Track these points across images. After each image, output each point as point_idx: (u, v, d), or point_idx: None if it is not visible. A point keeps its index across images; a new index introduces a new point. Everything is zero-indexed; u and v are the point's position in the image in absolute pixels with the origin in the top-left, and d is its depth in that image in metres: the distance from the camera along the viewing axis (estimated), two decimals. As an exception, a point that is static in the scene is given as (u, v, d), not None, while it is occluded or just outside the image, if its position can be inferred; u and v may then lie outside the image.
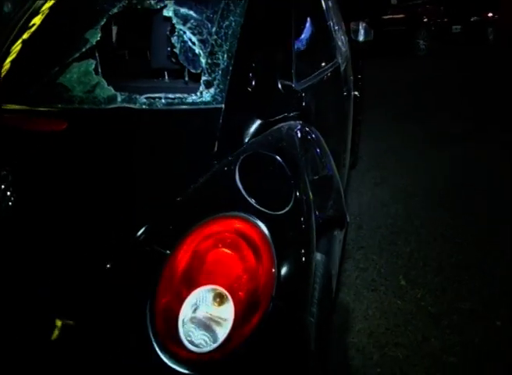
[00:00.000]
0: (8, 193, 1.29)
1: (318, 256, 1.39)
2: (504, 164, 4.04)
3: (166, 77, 1.73)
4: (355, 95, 3.13)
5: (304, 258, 1.19)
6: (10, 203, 1.27)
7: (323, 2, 2.43)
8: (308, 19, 2.04)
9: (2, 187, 1.29)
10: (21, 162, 1.36)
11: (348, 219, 1.78)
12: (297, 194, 1.26)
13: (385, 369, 2.01)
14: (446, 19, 11.42)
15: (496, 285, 2.53)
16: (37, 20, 1.84)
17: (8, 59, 1.77)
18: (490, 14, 11.57)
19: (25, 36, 1.83)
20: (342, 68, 2.41)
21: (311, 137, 1.55)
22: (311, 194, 1.33)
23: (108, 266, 1.08)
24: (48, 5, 1.89)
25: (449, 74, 8.28)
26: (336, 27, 2.64)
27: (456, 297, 2.45)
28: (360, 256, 2.85)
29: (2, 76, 1.72)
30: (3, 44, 1.84)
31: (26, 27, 1.85)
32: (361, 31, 3.27)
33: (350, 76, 2.80)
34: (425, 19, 10.14)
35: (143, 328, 1.02)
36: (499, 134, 4.97)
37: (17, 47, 1.80)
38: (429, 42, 10.17)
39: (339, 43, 2.61)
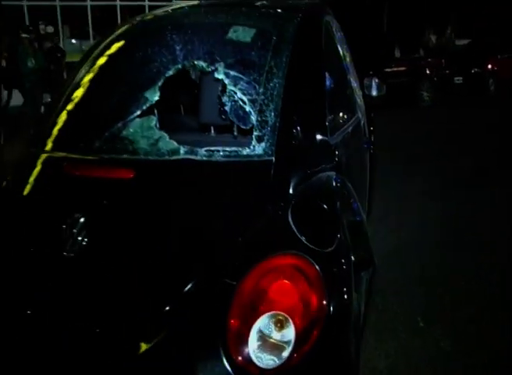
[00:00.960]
0: (81, 234, 1.49)
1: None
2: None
3: (218, 132, 1.97)
4: (370, 147, 3.39)
5: (346, 290, 1.39)
6: (83, 243, 1.47)
7: (345, 63, 2.73)
8: (335, 79, 2.32)
9: (75, 230, 1.50)
10: (93, 207, 1.57)
11: (376, 262, 1.97)
12: (339, 235, 1.46)
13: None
14: (447, 71, 11.94)
15: None
16: (95, 76, 2.10)
17: (66, 112, 2.01)
18: (490, 66, 12.10)
19: (81, 92, 2.08)
20: (362, 122, 2.67)
21: (344, 186, 1.77)
22: (348, 236, 1.53)
23: (185, 298, 1.28)
24: (101, 61, 2.14)
25: (452, 124, 8.65)
26: (355, 84, 2.92)
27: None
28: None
29: (63, 126, 1.96)
30: (62, 97, 2.09)
31: (82, 83, 2.10)
32: (374, 86, 3.55)
33: (366, 129, 3.06)
34: (428, 72, 10.63)
35: (217, 353, 1.20)
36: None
37: (75, 101, 2.05)
38: (432, 93, 10.62)
39: (358, 99, 2.88)
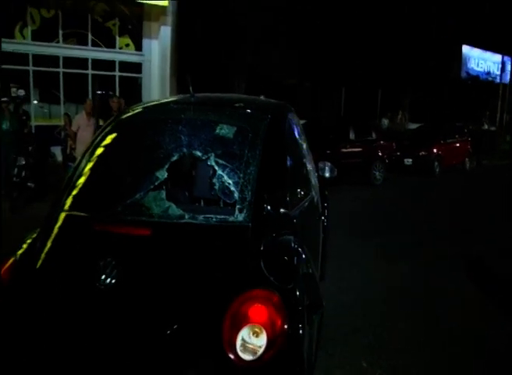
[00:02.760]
0: (111, 274, 2.12)
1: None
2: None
3: (208, 204, 2.66)
4: (323, 220, 4.17)
5: (300, 315, 2.06)
6: (112, 280, 2.10)
7: (303, 150, 3.55)
8: (295, 164, 3.10)
9: (108, 270, 2.13)
10: (119, 255, 2.20)
11: (324, 304, 2.66)
12: (296, 278, 2.16)
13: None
14: (398, 153, 13.30)
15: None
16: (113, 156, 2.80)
17: (93, 183, 2.68)
18: (435, 150, 13.57)
19: (104, 168, 2.77)
20: (315, 199, 3.45)
21: (300, 246, 2.49)
22: (302, 281, 2.23)
23: (195, 318, 1.93)
24: (108, 139, 2.85)
25: (399, 204, 9.74)
26: (310, 167, 3.73)
27: None
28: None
29: (92, 194, 2.62)
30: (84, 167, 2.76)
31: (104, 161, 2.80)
32: (327, 169, 4.40)
33: (319, 205, 3.84)
34: (380, 153, 11.88)
35: (217, 346, 1.87)
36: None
37: (95, 172, 2.73)
38: (384, 173, 11.82)
39: (313, 180, 3.68)
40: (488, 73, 28.30)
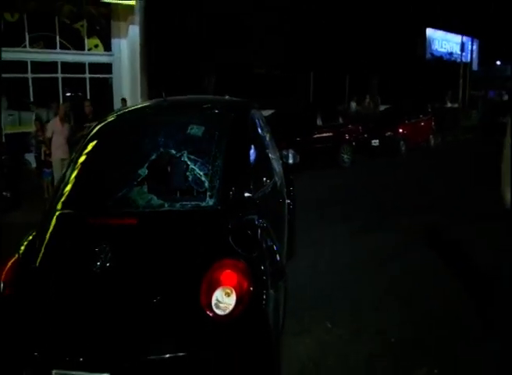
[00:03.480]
0: (105, 258, 2.59)
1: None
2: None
3: (183, 194, 3.13)
4: (288, 203, 4.69)
5: (264, 279, 2.57)
6: (106, 263, 2.57)
7: (266, 142, 4.05)
8: (258, 155, 3.60)
9: (102, 255, 2.59)
10: (111, 241, 2.67)
11: (286, 271, 3.18)
12: (259, 249, 2.67)
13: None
14: (366, 135, 13.92)
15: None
16: (95, 157, 3.26)
17: (73, 183, 3.13)
18: (400, 130, 14.24)
19: (84, 169, 3.23)
20: (278, 183, 3.97)
21: (263, 223, 3.00)
22: (266, 252, 2.74)
23: (178, 284, 2.43)
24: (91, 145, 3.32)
25: (366, 180, 10.36)
26: (273, 156, 4.23)
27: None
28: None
29: (82, 193, 3.07)
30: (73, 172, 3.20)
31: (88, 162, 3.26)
32: (290, 156, 4.93)
33: (283, 189, 4.35)
34: (347, 137, 12.48)
35: (196, 306, 2.36)
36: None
37: (83, 175, 3.18)
38: (351, 155, 12.42)
39: (276, 166, 4.18)
40: (451, 54, 29.26)
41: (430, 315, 4.15)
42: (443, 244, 5.96)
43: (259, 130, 4.00)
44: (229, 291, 2.40)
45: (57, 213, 2.97)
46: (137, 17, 14.55)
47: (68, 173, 3.23)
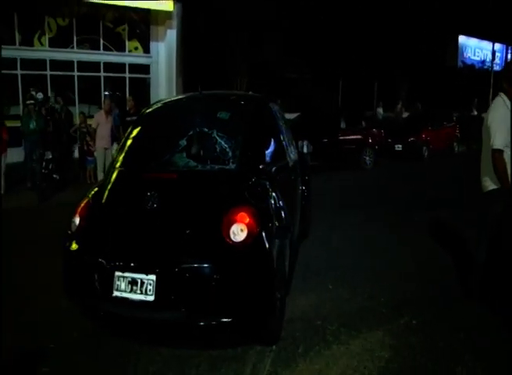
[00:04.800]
0: (154, 201, 3.49)
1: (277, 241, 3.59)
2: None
3: (213, 160, 3.98)
4: (303, 189, 5.54)
5: (270, 225, 3.43)
6: (155, 204, 3.46)
7: (281, 129, 4.90)
8: (273, 137, 4.46)
9: (151, 202, 3.49)
10: (159, 189, 3.56)
11: (292, 229, 4.02)
12: (268, 202, 3.54)
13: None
14: (389, 140, 14.61)
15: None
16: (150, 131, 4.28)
17: (129, 150, 4.08)
18: (423, 136, 14.87)
19: (137, 140, 4.18)
20: (290, 164, 4.82)
21: (272, 187, 3.85)
22: (273, 207, 3.61)
23: (205, 221, 3.33)
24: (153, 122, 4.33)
25: (385, 181, 11.09)
26: (287, 143, 5.07)
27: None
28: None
29: (137, 157, 4.04)
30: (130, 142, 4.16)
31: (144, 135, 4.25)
32: (305, 147, 5.77)
33: (297, 171, 5.19)
34: (370, 140, 13.21)
35: (219, 234, 3.24)
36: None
37: (137, 144, 4.15)
38: (374, 158, 13.12)
39: (290, 152, 5.03)
40: (483, 62, 29.47)
41: (420, 284, 4.86)
42: (444, 235, 6.67)
43: (276, 120, 4.86)
44: (242, 227, 3.25)
45: (117, 170, 3.93)
46: (174, 22, 15.68)
47: (125, 142, 4.19)
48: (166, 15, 15.55)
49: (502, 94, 4.28)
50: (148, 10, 15.30)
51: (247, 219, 3.27)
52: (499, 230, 4.23)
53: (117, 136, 10.32)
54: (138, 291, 3.23)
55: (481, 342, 3.72)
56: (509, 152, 4.10)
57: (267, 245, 3.34)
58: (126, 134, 4.33)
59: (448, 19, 26.27)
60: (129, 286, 3.24)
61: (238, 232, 3.23)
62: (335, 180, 11.10)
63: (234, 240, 3.22)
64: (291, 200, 4.76)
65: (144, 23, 15.83)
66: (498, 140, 4.08)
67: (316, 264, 5.40)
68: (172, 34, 15.77)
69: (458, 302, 4.43)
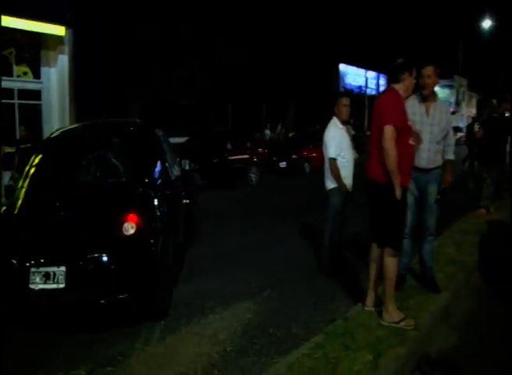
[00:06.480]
0: (59, 210, 4.51)
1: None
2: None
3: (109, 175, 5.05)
4: (186, 202, 6.71)
5: (152, 225, 4.58)
6: (61, 213, 4.48)
7: (164, 151, 6.05)
8: (156, 156, 5.60)
9: (58, 210, 4.49)
10: (64, 200, 4.58)
11: (174, 230, 5.19)
12: (151, 208, 4.70)
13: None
14: (275, 158, 16.34)
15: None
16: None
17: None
18: (305, 153, 16.83)
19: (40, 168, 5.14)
20: (172, 178, 5.99)
21: (156, 196, 5.00)
22: (156, 211, 4.78)
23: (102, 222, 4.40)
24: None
25: (266, 195, 12.63)
26: (171, 162, 6.23)
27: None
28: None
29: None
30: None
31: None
32: (187, 165, 7.00)
33: (178, 185, 6.37)
34: (255, 159, 14.79)
35: (115, 231, 4.33)
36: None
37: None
38: (259, 175, 14.70)
39: (172, 169, 6.20)
40: (360, 87, 33.09)
41: (288, 268, 6.16)
42: (312, 230, 8.15)
43: (160, 143, 6.03)
44: (132, 225, 4.35)
45: (25, 188, 4.86)
46: (66, 47, 15.83)
47: (31, 165, 5.11)
48: (58, 39, 15.63)
49: (334, 117, 5.86)
50: (38, 34, 15.19)
51: (136, 219, 4.39)
52: (341, 219, 5.74)
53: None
54: (51, 281, 4.16)
55: (323, 304, 5.03)
56: (341, 160, 5.63)
57: (150, 238, 4.49)
58: (31, 160, 5.26)
59: (331, 48, 29.27)
60: (43, 278, 4.16)
61: (129, 229, 4.33)
62: (223, 197, 12.47)
63: (126, 234, 4.31)
64: (173, 207, 5.91)
65: (33, 47, 15.69)
66: (332, 151, 5.62)
67: (203, 262, 6.55)
68: (63, 60, 15.91)
69: (313, 277, 5.80)
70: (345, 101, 5.95)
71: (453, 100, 49.65)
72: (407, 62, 4.31)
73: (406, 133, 4.21)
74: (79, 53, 16.43)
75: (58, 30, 15.30)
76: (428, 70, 4.76)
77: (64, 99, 15.94)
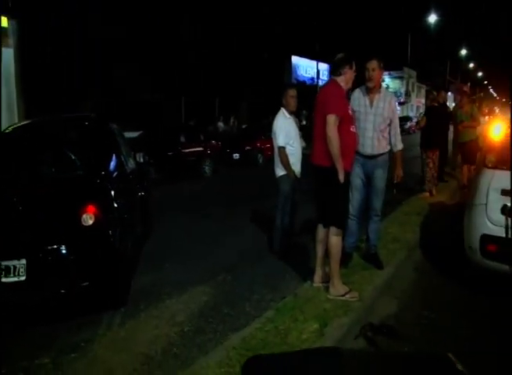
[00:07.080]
0: (18, 205, 4.62)
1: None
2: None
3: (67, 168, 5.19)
4: (142, 194, 6.88)
5: (110, 215, 4.76)
6: (20, 207, 4.59)
7: (120, 144, 6.21)
8: (112, 149, 5.75)
9: (17, 205, 4.60)
10: (23, 195, 4.66)
11: (130, 220, 5.37)
12: (107, 198, 4.88)
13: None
14: (228, 150, 16.57)
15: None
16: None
17: None
18: (258, 144, 17.13)
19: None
20: (128, 171, 6.15)
21: (112, 187, 5.18)
22: (113, 202, 4.95)
23: (60, 212, 4.54)
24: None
25: (219, 186, 12.86)
26: (126, 154, 6.40)
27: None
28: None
29: None
30: None
31: None
32: (141, 158, 7.18)
33: (134, 177, 6.54)
34: (209, 151, 14.99)
35: (74, 222, 4.49)
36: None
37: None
38: (213, 167, 14.92)
39: (127, 162, 6.36)
40: (313, 79, 33.69)
41: (240, 254, 6.46)
42: (262, 216, 8.48)
43: (114, 136, 6.17)
44: (90, 215, 4.49)
45: None
46: (11, 40, 15.53)
47: None
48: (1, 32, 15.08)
49: (282, 108, 6.15)
50: (-22, 25, 14.71)
51: (94, 210, 4.55)
52: (291, 204, 6.07)
53: None
54: (11, 275, 4.25)
55: (274, 283, 5.34)
56: (290, 148, 5.95)
57: (109, 228, 4.67)
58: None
59: (282, 41, 29.68)
60: (3, 272, 4.26)
61: (88, 220, 4.49)
62: (177, 189, 12.61)
63: (85, 225, 4.47)
64: (130, 199, 6.09)
65: (-27, 41, 15.31)
66: (281, 140, 5.92)
67: (159, 253, 6.74)
68: (8, 53, 15.57)
69: (264, 260, 6.13)
70: (292, 92, 6.21)
71: (403, 91, 51.29)
72: (348, 57, 4.66)
73: (347, 122, 4.56)
74: (25, 46, 16.05)
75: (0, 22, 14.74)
76: (373, 64, 5.10)
77: (11, 94, 15.66)
